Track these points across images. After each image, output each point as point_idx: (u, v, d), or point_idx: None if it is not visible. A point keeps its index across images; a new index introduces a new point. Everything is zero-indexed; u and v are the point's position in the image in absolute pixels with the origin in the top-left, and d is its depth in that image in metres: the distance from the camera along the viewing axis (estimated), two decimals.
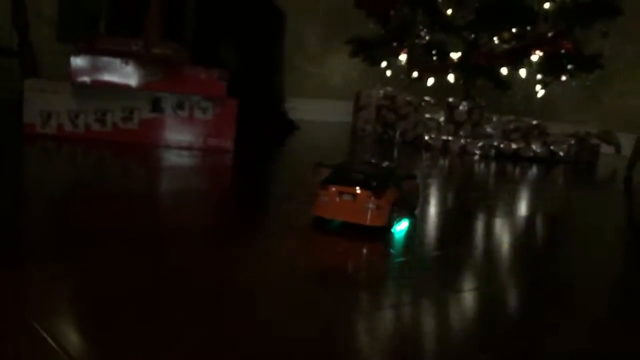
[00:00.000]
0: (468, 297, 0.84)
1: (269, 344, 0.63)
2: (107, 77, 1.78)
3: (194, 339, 0.61)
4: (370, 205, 1.03)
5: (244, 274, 0.83)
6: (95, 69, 1.77)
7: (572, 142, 2.65)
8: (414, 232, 1.16)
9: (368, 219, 1.04)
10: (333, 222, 1.07)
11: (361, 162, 1.15)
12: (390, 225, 1.07)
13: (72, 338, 0.60)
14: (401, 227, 1.12)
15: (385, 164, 1.16)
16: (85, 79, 1.77)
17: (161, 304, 0.70)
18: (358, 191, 1.04)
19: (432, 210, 1.38)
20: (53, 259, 0.81)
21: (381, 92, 2.86)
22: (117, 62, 1.78)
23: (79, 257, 0.82)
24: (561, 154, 2.61)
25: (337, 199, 1.05)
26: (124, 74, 1.78)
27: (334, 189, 1.05)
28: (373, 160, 1.18)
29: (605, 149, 2.83)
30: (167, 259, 0.86)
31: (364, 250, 1.02)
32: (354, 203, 1.04)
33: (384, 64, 2.91)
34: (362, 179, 1.05)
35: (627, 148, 2.65)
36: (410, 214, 1.20)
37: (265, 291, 0.78)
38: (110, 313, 0.66)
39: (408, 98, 2.76)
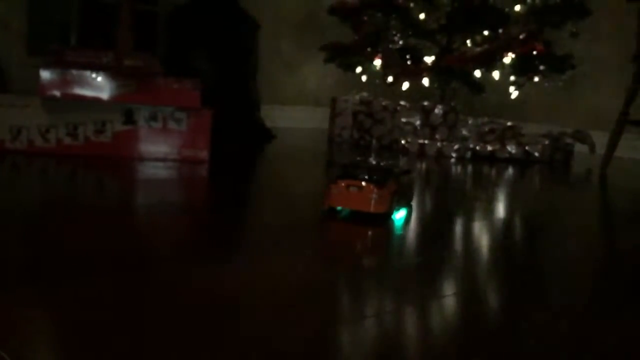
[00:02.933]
0: (452, 301, 0.83)
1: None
2: (78, 90, 1.75)
3: None
4: (374, 196, 1.23)
5: (232, 289, 0.82)
6: (65, 82, 1.74)
7: (547, 142, 2.68)
8: (401, 237, 1.16)
9: (372, 207, 1.23)
10: (343, 211, 1.27)
11: (364, 161, 1.34)
12: (390, 212, 1.26)
13: None
14: (400, 215, 1.31)
15: (385, 162, 1.35)
16: (55, 92, 1.74)
17: (143, 327, 0.68)
18: (363, 184, 1.23)
19: (413, 214, 1.38)
20: (23, 280, 0.79)
21: (357, 97, 2.87)
22: (87, 74, 1.75)
23: (52, 279, 0.80)
24: (536, 154, 2.64)
25: (346, 191, 1.24)
26: (95, 87, 1.76)
27: (343, 183, 1.25)
28: (374, 160, 1.38)
29: (579, 148, 2.87)
30: (148, 279, 0.84)
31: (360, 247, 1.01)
32: (360, 194, 1.23)
33: (359, 69, 2.92)
34: (366, 174, 1.25)
35: (600, 147, 2.68)
36: (407, 204, 1.38)
37: (255, 305, 0.76)
38: (86, 339, 0.64)
39: (384, 103, 2.77)
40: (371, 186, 1.23)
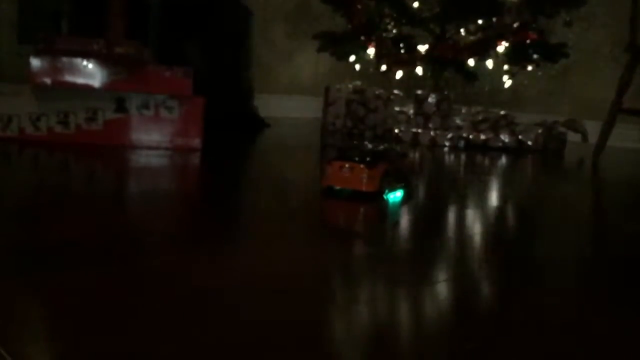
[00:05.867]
0: (446, 287, 0.83)
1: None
2: (69, 78, 1.74)
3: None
4: (364, 176, 1.32)
5: (228, 276, 0.81)
6: (55, 69, 1.73)
7: (540, 131, 2.68)
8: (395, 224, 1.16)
9: (363, 186, 1.33)
10: (343, 191, 1.35)
11: (360, 144, 1.46)
12: (381, 191, 1.35)
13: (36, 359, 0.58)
14: (396, 196, 1.39)
15: (380, 146, 1.45)
16: (46, 80, 1.73)
17: (139, 316, 0.68)
18: (355, 165, 1.33)
19: (410, 202, 1.38)
20: (14, 269, 0.78)
21: (350, 86, 2.86)
22: (78, 62, 1.74)
23: (44, 267, 0.80)
24: (529, 143, 2.64)
25: (340, 171, 1.34)
26: (86, 74, 1.74)
27: (337, 163, 1.34)
28: (370, 144, 1.49)
29: (572, 137, 2.87)
30: (143, 267, 0.84)
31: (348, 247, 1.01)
32: (352, 174, 1.33)
33: (352, 58, 2.91)
34: (358, 156, 1.35)
35: (593, 135, 2.69)
36: (403, 185, 1.44)
37: (245, 293, 0.76)
38: (79, 328, 0.63)
39: (377, 92, 2.76)
40: (362, 167, 1.33)
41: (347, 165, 1.34)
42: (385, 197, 1.35)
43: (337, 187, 1.36)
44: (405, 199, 1.39)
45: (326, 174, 1.37)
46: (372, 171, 1.33)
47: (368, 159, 1.34)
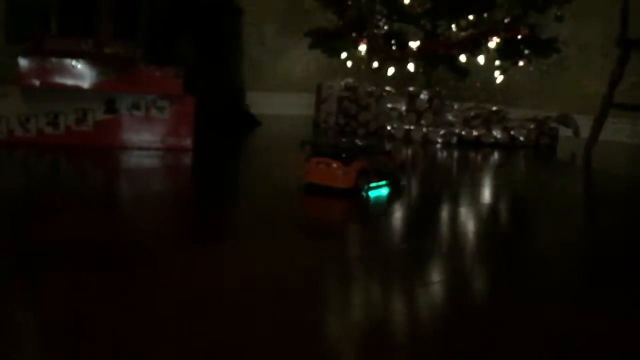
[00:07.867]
0: (438, 288, 0.83)
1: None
2: (58, 79, 1.72)
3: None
4: (340, 172, 1.35)
5: (218, 276, 0.81)
6: (44, 70, 1.71)
7: (532, 126, 2.68)
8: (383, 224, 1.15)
9: (338, 182, 1.36)
10: (323, 188, 1.37)
11: (341, 142, 1.47)
12: (358, 187, 1.37)
13: None
14: (381, 192, 1.41)
15: (360, 142, 1.47)
16: (35, 81, 1.71)
17: (130, 316, 0.67)
18: (331, 162, 1.36)
19: (400, 200, 1.38)
20: (6, 271, 0.77)
21: (342, 83, 2.85)
22: (67, 62, 1.72)
23: (36, 269, 0.79)
24: (521, 138, 2.64)
25: (317, 168, 1.37)
26: (75, 75, 1.73)
27: (315, 160, 1.38)
28: (356, 140, 1.50)
29: (564, 132, 2.88)
30: (134, 267, 0.83)
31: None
32: (328, 170, 1.37)
33: (343, 55, 2.90)
34: (335, 153, 1.38)
35: (585, 130, 2.69)
36: (389, 182, 1.46)
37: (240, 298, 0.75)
38: (69, 335, 0.63)
39: (369, 89, 2.75)
40: (338, 163, 1.35)
41: (323, 162, 1.37)
42: (363, 193, 1.37)
43: (316, 184, 1.38)
44: (392, 196, 1.40)
45: (305, 170, 1.40)
46: (348, 167, 1.35)
47: (344, 155, 1.37)
